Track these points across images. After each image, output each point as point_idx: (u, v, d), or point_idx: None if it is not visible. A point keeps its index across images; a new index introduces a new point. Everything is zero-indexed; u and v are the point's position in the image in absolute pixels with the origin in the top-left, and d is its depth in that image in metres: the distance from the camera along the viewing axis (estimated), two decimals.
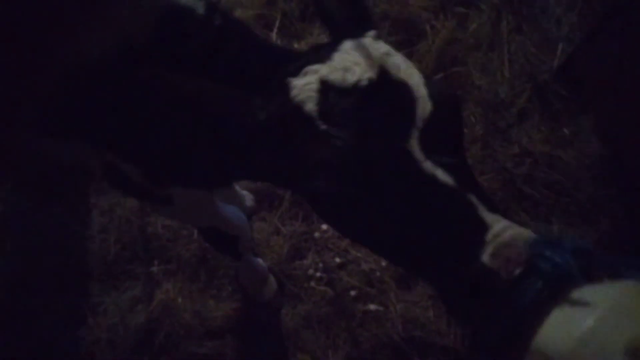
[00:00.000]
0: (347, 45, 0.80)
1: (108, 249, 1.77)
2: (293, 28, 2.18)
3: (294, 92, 0.77)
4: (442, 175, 0.70)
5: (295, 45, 2.15)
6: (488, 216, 0.68)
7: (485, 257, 0.65)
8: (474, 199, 0.70)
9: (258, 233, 1.86)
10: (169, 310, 1.71)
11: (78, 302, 1.71)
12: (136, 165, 1.04)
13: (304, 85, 0.77)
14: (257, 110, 0.80)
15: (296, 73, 0.79)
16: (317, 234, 1.86)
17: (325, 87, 0.76)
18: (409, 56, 2.11)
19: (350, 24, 0.90)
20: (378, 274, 1.77)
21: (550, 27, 2.13)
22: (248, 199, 1.87)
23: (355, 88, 0.74)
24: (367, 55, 0.77)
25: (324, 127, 0.73)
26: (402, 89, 0.75)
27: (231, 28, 0.94)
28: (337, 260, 1.82)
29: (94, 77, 0.91)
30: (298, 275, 1.80)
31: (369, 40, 0.81)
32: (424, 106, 0.74)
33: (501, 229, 0.66)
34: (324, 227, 1.87)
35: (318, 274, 1.80)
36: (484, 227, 0.67)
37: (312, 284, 1.80)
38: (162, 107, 0.83)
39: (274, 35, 2.15)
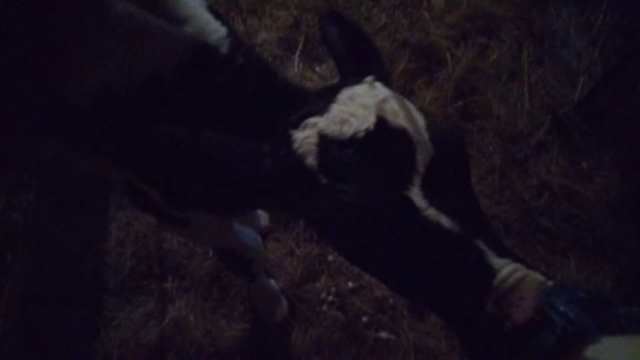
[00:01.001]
0: (344, 95, 0.81)
1: (124, 263, 1.79)
2: (315, 52, 2.21)
3: (295, 145, 0.79)
4: (446, 222, 0.69)
5: (317, 69, 2.18)
6: (496, 261, 0.67)
7: (489, 304, 0.64)
8: (481, 244, 0.69)
9: (272, 253, 1.86)
10: (180, 327, 1.71)
11: (92, 315, 1.72)
12: (156, 188, 1.07)
13: (304, 139, 0.78)
14: (264, 158, 0.82)
15: (297, 125, 0.80)
16: (330, 257, 1.86)
17: (324, 140, 0.77)
18: (429, 84, 2.13)
19: (358, 63, 0.93)
20: (391, 301, 1.76)
21: (571, 61, 2.14)
22: (263, 218, 1.89)
23: (353, 140, 0.75)
24: (364, 104, 0.78)
25: (324, 180, 0.74)
26: (400, 135, 0.75)
27: (252, 67, 0.96)
28: (350, 284, 1.81)
29: (121, 102, 0.94)
30: (310, 298, 1.80)
31: (366, 87, 0.82)
32: (425, 151, 0.74)
33: (508, 273, 0.65)
34: None
35: (330, 298, 1.80)
36: (491, 272, 0.66)
37: (324, 308, 1.79)
38: (180, 149, 0.85)
39: (296, 58, 2.19)
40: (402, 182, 0.72)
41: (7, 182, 1.88)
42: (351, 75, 0.90)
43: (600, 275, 1.73)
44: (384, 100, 0.79)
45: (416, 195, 0.71)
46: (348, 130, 0.76)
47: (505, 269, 0.66)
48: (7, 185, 1.88)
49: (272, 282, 1.73)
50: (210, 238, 1.35)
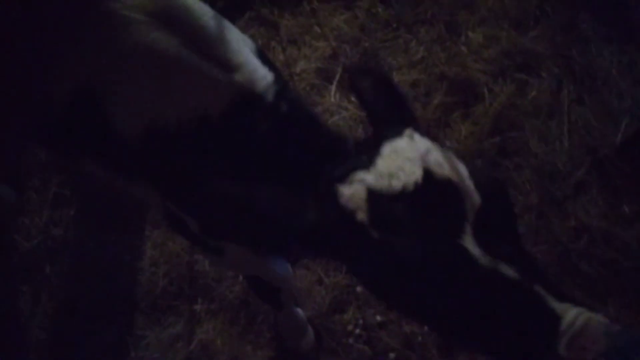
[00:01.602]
0: (388, 149, 0.82)
1: (156, 283, 1.82)
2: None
3: (343, 201, 0.80)
4: (504, 268, 0.70)
5: (353, 98, 2.21)
6: (558, 306, 0.67)
7: (562, 349, 0.64)
8: (540, 289, 0.68)
9: (300, 281, 1.86)
10: (207, 351, 1.72)
11: (122, 333, 1.75)
12: (194, 218, 1.09)
13: (352, 195, 0.79)
14: (309, 212, 0.83)
15: (343, 179, 0.82)
16: (359, 288, 1.85)
17: (373, 195, 0.78)
18: (465, 118, 2.13)
19: (389, 113, 0.94)
20: (420, 338, 1.72)
21: (613, 101, 2.10)
22: None
23: (402, 193, 0.76)
24: (409, 157, 0.80)
25: (376, 235, 0.75)
26: (448, 186, 0.77)
27: (296, 115, 0.99)
28: (378, 318, 1.79)
29: (169, 138, 0.98)
30: (337, 329, 1.78)
31: (406, 140, 0.84)
32: (472, 199, 0.75)
33: (574, 317, 0.65)
34: None
35: (357, 331, 1.78)
36: (555, 317, 0.66)
37: (351, 340, 1.77)
38: (232, 202, 0.87)
39: (333, 88, 2.22)
40: (454, 231, 0.72)
41: (51, 198, 1.96)
42: (384, 126, 0.92)
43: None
44: (427, 152, 0.80)
45: (470, 244, 0.71)
46: (397, 185, 0.77)
47: (570, 313, 0.66)
48: (50, 201, 1.95)
49: (300, 311, 1.72)
50: (242, 267, 1.36)
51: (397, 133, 0.86)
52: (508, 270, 0.69)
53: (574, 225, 1.85)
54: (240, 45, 1.00)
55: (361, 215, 0.77)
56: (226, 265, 1.46)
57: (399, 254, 0.73)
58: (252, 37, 1.98)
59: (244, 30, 1.09)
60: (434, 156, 0.80)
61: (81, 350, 1.76)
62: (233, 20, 1.08)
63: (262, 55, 1.05)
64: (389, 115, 0.94)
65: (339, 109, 2.16)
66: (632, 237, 1.81)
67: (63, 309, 1.82)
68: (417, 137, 0.85)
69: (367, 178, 0.79)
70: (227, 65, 0.95)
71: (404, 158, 0.80)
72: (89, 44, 0.96)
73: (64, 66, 0.99)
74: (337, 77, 2.24)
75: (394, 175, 0.78)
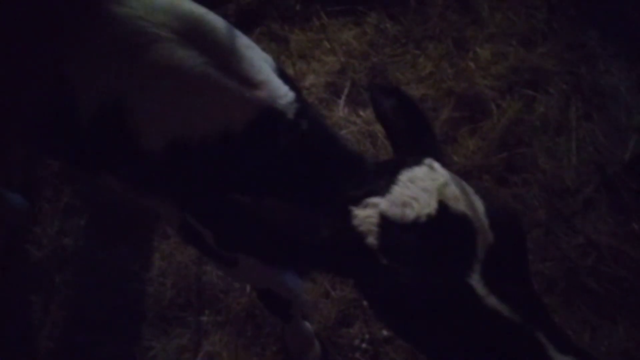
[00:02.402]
0: (405, 176, 0.82)
1: (164, 294, 1.83)
2: (360, 97, 2.26)
3: (355, 222, 0.80)
4: (507, 311, 0.69)
5: (361, 113, 2.23)
6: (557, 357, 0.65)
7: None
8: (542, 337, 0.67)
9: (307, 294, 1.86)
10: None
11: (129, 343, 1.76)
12: (210, 230, 1.11)
13: (365, 218, 0.80)
14: (321, 229, 0.84)
15: (357, 201, 0.82)
16: (365, 303, 1.85)
17: (386, 221, 0.78)
18: (473, 133, 2.14)
19: (412, 138, 0.94)
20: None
21: (621, 118, 2.10)
22: None
23: (415, 224, 0.76)
24: (425, 187, 0.79)
25: (384, 261, 0.75)
26: (462, 221, 0.76)
27: (316, 133, 1.00)
28: (385, 333, 1.79)
29: (191, 153, 1.00)
30: (343, 344, 1.78)
31: (426, 169, 0.83)
32: (485, 237, 0.74)
33: None
34: None
35: (364, 345, 1.77)
36: None
37: (357, 355, 1.76)
38: (245, 215, 0.88)
39: (342, 102, 2.24)
40: (462, 268, 0.72)
41: (62, 208, 1.98)
42: (406, 150, 0.92)
43: None
44: (445, 185, 0.80)
45: (476, 282, 0.71)
46: (410, 214, 0.76)
47: None
48: (62, 211, 1.98)
49: (307, 324, 1.73)
50: (254, 279, 1.37)
51: (416, 161, 0.85)
52: (512, 314, 0.69)
53: (582, 242, 1.84)
54: (263, 63, 1.03)
55: (372, 240, 0.78)
56: (239, 277, 1.47)
57: (404, 283, 0.73)
58: (263, 51, 2.01)
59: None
60: (451, 189, 0.79)
61: None
62: (244, 34, 1.10)
63: (283, 73, 1.07)
64: (411, 140, 0.94)
65: (347, 123, 2.18)
66: None
67: (71, 318, 1.83)
68: (437, 166, 0.84)
69: (381, 204, 0.79)
70: (251, 83, 0.97)
71: (420, 188, 0.79)
72: (118, 60, 0.99)
73: (92, 82, 1.02)
74: (346, 91, 2.26)
75: (408, 204, 0.78)
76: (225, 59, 0.98)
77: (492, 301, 0.69)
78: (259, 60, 1.02)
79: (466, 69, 2.27)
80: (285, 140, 0.97)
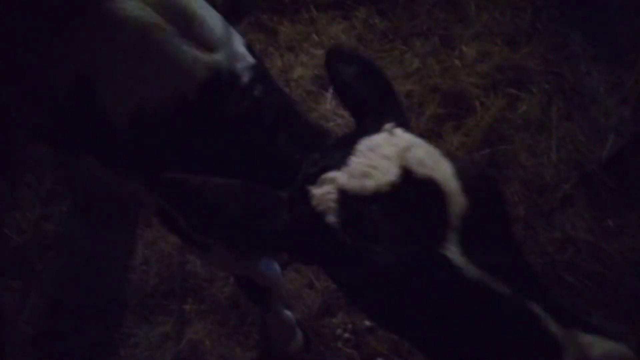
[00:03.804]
0: (363, 145, 0.75)
1: (147, 282, 1.82)
2: None
3: (314, 202, 0.73)
4: (492, 281, 0.60)
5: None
6: (560, 332, 0.56)
7: None
8: (537, 308, 0.58)
9: (291, 284, 1.87)
10: (196, 351, 1.72)
11: (111, 331, 1.75)
12: (181, 214, 1.09)
13: (323, 196, 0.73)
14: (281, 211, 0.78)
15: (314, 180, 0.75)
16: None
17: (345, 196, 0.71)
18: (457, 129, 2.17)
19: (375, 106, 0.84)
20: (407, 344, 1.74)
21: (600, 118, 2.16)
22: None
23: (376, 195, 0.69)
24: (385, 154, 0.72)
25: (348, 240, 0.68)
26: (429, 187, 0.68)
27: (270, 102, 0.94)
28: (367, 323, 1.81)
29: (152, 124, 0.98)
30: (326, 333, 1.79)
31: (385, 135, 0.76)
32: (457, 202, 0.66)
33: (581, 348, 0.54)
34: None
35: (346, 335, 1.79)
36: (555, 346, 0.55)
37: (339, 344, 1.78)
38: (211, 207, 0.80)
39: (329, 95, 2.26)
40: (435, 238, 0.65)
41: (44, 193, 1.96)
42: (369, 120, 0.83)
43: (623, 337, 1.69)
44: (407, 149, 0.72)
45: (452, 252, 0.63)
46: (370, 185, 0.69)
47: (577, 341, 0.54)
48: (43, 196, 1.95)
49: (289, 313, 1.74)
50: (229, 264, 1.37)
51: (375, 128, 0.78)
52: (498, 284, 0.60)
53: (560, 237, 1.89)
54: (228, 31, 1.01)
55: (332, 219, 0.71)
56: (214, 263, 1.46)
57: (372, 261, 0.65)
58: (251, 42, 2.01)
59: (243, 35, 1.11)
60: (414, 153, 0.72)
61: (69, 348, 1.75)
62: (232, 25, 1.10)
63: (250, 48, 1.05)
64: (374, 108, 0.84)
65: (334, 116, 2.19)
66: (616, 251, 1.86)
67: (52, 305, 1.81)
68: (398, 132, 0.77)
69: (338, 178, 0.72)
70: (209, 47, 0.95)
71: (379, 156, 0.72)
72: (85, 34, 0.98)
73: (63, 57, 1.00)
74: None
75: (367, 174, 0.70)
76: (188, 25, 0.96)
77: (473, 272, 0.61)
78: (223, 29, 1.00)
79: (452, 66, 2.30)
80: (237, 106, 0.92)
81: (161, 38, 0.94)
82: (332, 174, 0.74)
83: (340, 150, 0.77)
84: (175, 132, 0.96)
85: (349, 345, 1.77)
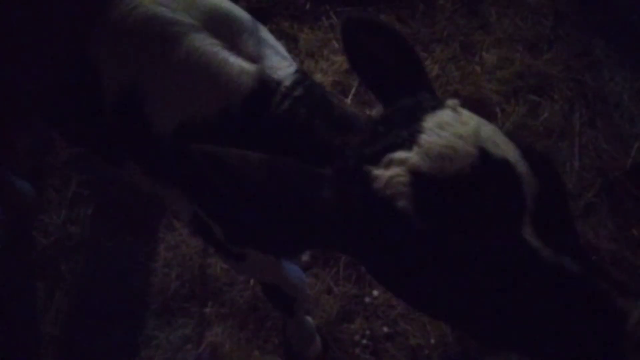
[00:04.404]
0: (431, 122, 0.69)
1: (168, 284, 1.85)
2: (367, 96, 2.29)
3: (378, 185, 0.67)
4: (567, 262, 0.61)
5: (368, 112, 2.26)
6: (624, 302, 0.60)
7: (628, 351, 0.58)
8: (605, 285, 0.60)
9: (309, 289, 1.88)
10: (215, 354, 1.74)
11: (133, 332, 1.78)
12: (219, 224, 1.12)
13: (392, 178, 0.67)
14: (324, 185, 0.73)
15: (376, 161, 0.69)
16: (367, 299, 1.87)
17: (419, 180, 0.65)
18: None
19: (406, 82, 0.79)
20: (426, 351, 1.74)
21: (624, 125, 2.13)
22: (304, 253, 1.92)
23: (456, 177, 0.64)
24: (459, 133, 0.67)
25: (422, 226, 0.64)
26: (505, 168, 0.65)
27: (308, 98, 0.94)
28: (385, 329, 1.81)
29: (197, 134, 1.00)
30: (344, 339, 1.80)
31: (450, 112, 0.70)
32: (530, 183, 0.65)
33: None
34: (375, 293, 1.87)
35: (364, 342, 1.79)
36: (622, 316, 0.59)
37: (357, 350, 1.78)
38: (237, 180, 0.77)
39: (348, 101, 2.27)
40: (514, 221, 0.63)
41: (69, 197, 2.00)
42: (405, 96, 0.77)
43: None
44: (479, 128, 0.68)
45: (530, 235, 0.62)
46: (450, 167, 0.65)
47: (636, 311, 0.59)
48: (69, 200, 2.00)
49: (310, 319, 1.75)
50: (260, 273, 1.39)
51: (436, 104, 0.71)
52: (573, 265, 0.61)
53: (583, 246, 1.86)
54: (271, 42, 1.04)
55: (403, 203, 0.65)
56: (246, 272, 1.48)
57: (451, 249, 0.62)
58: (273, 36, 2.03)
59: None
60: (486, 133, 0.68)
61: (91, 348, 1.78)
62: None
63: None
64: (407, 83, 0.79)
65: None
66: None
67: (76, 306, 1.85)
68: (461, 109, 0.71)
69: (410, 158, 0.66)
70: (254, 57, 0.98)
71: (454, 135, 0.67)
72: (136, 45, 1.01)
73: (114, 66, 1.04)
74: (353, 90, 2.29)
75: (445, 155, 0.65)
76: (234, 39, 0.99)
77: (550, 254, 0.61)
78: (267, 40, 1.03)
79: (472, 72, 2.29)
80: (279, 109, 0.93)
81: (210, 53, 0.96)
82: (401, 154, 0.67)
83: (401, 127, 0.70)
84: (217, 141, 0.97)
85: (367, 352, 1.77)
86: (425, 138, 0.67)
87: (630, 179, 1.96)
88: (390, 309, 1.83)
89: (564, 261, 0.61)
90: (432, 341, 1.76)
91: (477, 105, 2.22)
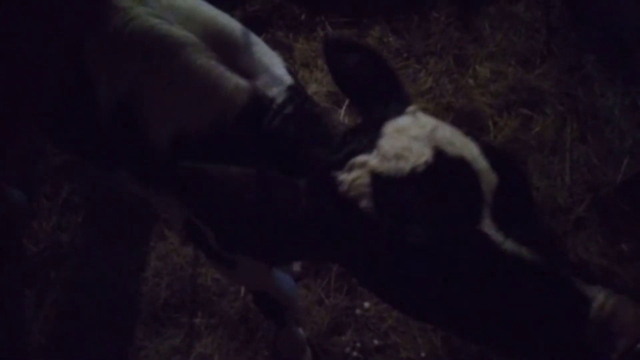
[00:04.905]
0: (391, 128, 0.74)
1: (158, 294, 1.84)
2: None
3: (342, 188, 0.72)
4: (528, 253, 0.63)
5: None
6: (588, 289, 0.62)
7: (590, 335, 0.59)
8: (566, 272, 0.63)
9: (300, 300, 1.88)
10: None
11: (122, 342, 1.77)
12: (211, 228, 1.13)
13: (354, 181, 0.72)
14: (299, 197, 0.77)
15: (341, 165, 0.74)
16: (358, 311, 1.87)
17: (378, 180, 0.70)
18: None
19: (384, 96, 0.84)
20: None
21: (614, 140, 2.15)
22: (295, 264, 1.92)
23: (412, 175, 0.69)
24: (415, 136, 0.72)
25: (385, 224, 0.68)
26: (461, 165, 0.70)
27: (298, 115, 0.96)
28: (376, 342, 1.81)
29: (191, 145, 1.02)
30: (335, 351, 1.79)
31: (410, 118, 0.76)
32: (489, 178, 0.69)
33: (604, 299, 0.60)
34: (367, 305, 1.87)
35: (355, 354, 1.79)
36: (586, 302, 0.61)
37: None
38: (205, 183, 0.82)
39: (342, 111, 2.28)
40: (472, 215, 0.66)
41: (60, 204, 1.99)
42: (378, 107, 0.83)
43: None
44: (435, 130, 0.74)
45: (490, 228, 0.65)
46: (405, 166, 0.70)
47: (600, 295, 0.61)
48: (60, 207, 1.99)
49: (300, 330, 1.74)
50: (251, 281, 1.39)
51: (398, 111, 0.78)
52: (532, 254, 0.63)
53: (572, 260, 1.87)
54: (267, 57, 1.04)
55: (365, 203, 0.70)
56: (237, 280, 1.48)
57: (413, 243, 0.66)
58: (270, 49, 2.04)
59: None
60: (442, 133, 0.73)
61: (79, 357, 1.77)
62: None
63: (289, 71, 1.08)
64: (382, 94, 0.84)
65: None
66: (629, 276, 1.84)
67: (65, 314, 1.83)
68: (420, 114, 0.78)
69: (370, 161, 0.72)
70: (250, 73, 0.99)
71: (409, 137, 0.72)
72: (133, 55, 1.02)
73: (109, 75, 1.05)
74: (347, 101, 2.30)
75: (401, 156, 0.70)
76: (230, 54, 1.00)
77: (510, 246, 0.64)
78: (262, 55, 1.04)
79: (465, 85, 2.31)
80: (271, 124, 0.94)
81: (206, 66, 0.97)
82: (362, 158, 0.73)
83: (364, 135, 0.76)
84: (210, 152, 0.99)
85: None
86: (383, 142, 0.73)
87: (621, 194, 1.98)
88: (381, 321, 1.83)
89: (524, 251, 0.64)
90: (423, 354, 1.76)
91: (470, 118, 2.24)
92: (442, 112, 2.25)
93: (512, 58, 2.37)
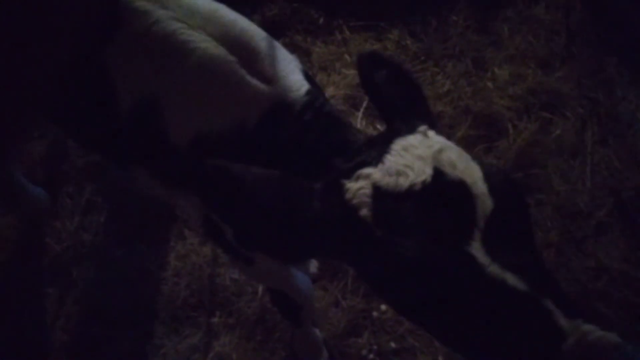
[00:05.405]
0: (399, 145, 0.80)
1: (178, 294, 1.86)
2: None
3: (348, 195, 0.79)
4: (511, 279, 0.67)
5: (378, 126, 2.27)
6: (566, 323, 0.64)
7: None
8: (549, 304, 0.65)
9: (317, 302, 1.88)
10: None
11: (141, 341, 1.79)
12: (230, 225, 1.14)
13: (357, 190, 0.78)
14: (313, 199, 0.83)
15: (349, 175, 0.80)
16: (375, 314, 1.87)
17: (379, 192, 0.76)
18: (488, 151, 2.16)
19: (405, 108, 0.90)
20: None
21: (636, 143, 2.12)
22: (312, 265, 1.93)
23: (409, 192, 0.74)
24: (419, 155, 0.77)
25: (379, 233, 0.74)
26: (459, 188, 0.74)
27: (317, 121, 1.00)
28: (393, 345, 1.80)
29: (211, 147, 1.04)
30: (351, 353, 1.79)
31: (420, 136, 0.81)
32: (484, 204, 0.72)
33: (579, 337, 0.62)
34: (383, 307, 1.87)
35: (371, 356, 1.79)
36: (560, 335, 0.63)
37: None
38: (230, 182, 0.87)
39: (359, 115, 2.28)
40: (462, 237, 0.70)
41: (83, 204, 2.03)
42: (398, 120, 0.88)
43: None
44: (440, 151, 0.78)
45: (478, 250, 0.69)
46: (404, 183, 0.75)
47: (576, 332, 0.63)
48: (83, 207, 2.03)
49: (317, 331, 1.75)
50: (269, 279, 1.41)
51: (410, 129, 0.83)
52: (516, 281, 0.67)
53: (593, 265, 1.85)
54: (285, 62, 1.07)
55: (365, 212, 0.76)
56: (255, 276, 1.50)
57: (401, 254, 0.71)
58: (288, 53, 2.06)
59: None
60: (447, 155, 0.77)
61: (100, 355, 1.80)
62: None
63: (306, 74, 1.11)
64: (404, 111, 0.90)
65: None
66: None
67: (86, 313, 1.87)
68: (431, 134, 0.82)
69: (373, 174, 0.78)
70: (269, 79, 1.02)
71: (414, 156, 0.77)
72: (155, 57, 1.05)
73: (131, 75, 1.08)
74: (365, 104, 2.30)
75: (402, 173, 0.76)
76: (250, 58, 1.03)
77: (495, 270, 0.67)
78: (281, 60, 1.07)
79: (484, 88, 2.30)
80: (289, 131, 0.98)
81: (227, 70, 1.00)
82: (367, 170, 0.79)
83: (375, 148, 0.82)
84: (230, 155, 1.02)
85: None
86: (389, 157, 0.79)
87: None
88: (398, 324, 1.83)
89: (507, 277, 0.67)
90: (440, 358, 1.75)
91: (489, 121, 2.23)
92: (460, 115, 2.25)
93: (531, 61, 2.35)
